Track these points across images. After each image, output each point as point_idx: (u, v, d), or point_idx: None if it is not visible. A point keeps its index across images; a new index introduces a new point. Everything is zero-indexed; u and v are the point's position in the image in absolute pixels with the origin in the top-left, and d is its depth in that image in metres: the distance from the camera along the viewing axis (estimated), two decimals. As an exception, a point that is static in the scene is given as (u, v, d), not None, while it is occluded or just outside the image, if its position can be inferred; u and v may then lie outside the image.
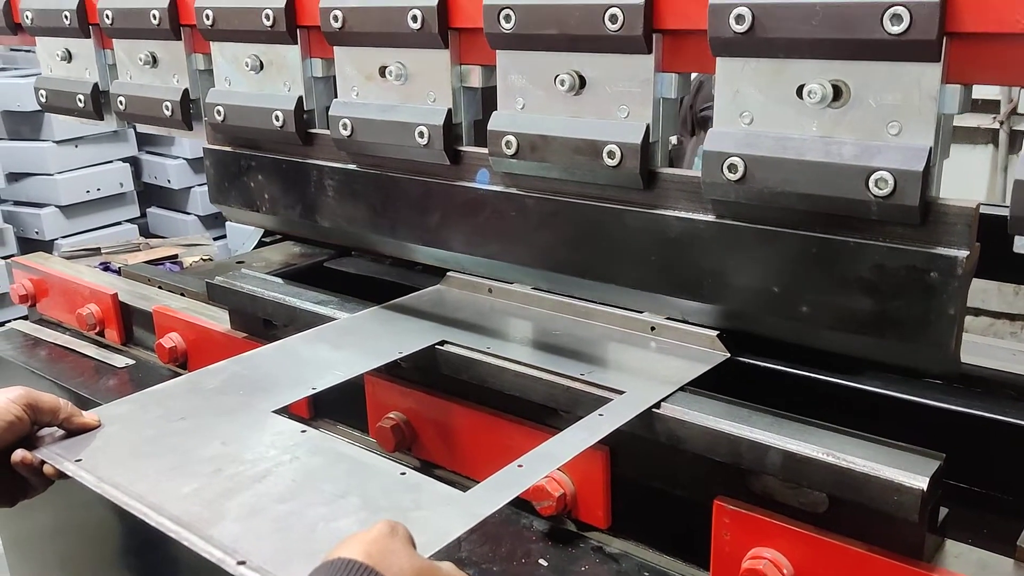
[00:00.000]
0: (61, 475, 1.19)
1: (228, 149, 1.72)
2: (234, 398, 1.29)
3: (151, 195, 5.96)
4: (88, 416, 1.23)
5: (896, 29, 0.96)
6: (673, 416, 1.19)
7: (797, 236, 1.11)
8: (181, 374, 1.81)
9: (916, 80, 0.99)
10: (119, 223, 5.69)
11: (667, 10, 1.13)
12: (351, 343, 1.44)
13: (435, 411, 1.43)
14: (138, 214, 5.83)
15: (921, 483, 1.01)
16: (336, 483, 1.09)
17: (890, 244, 1.05)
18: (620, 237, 1.26)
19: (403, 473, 1.09)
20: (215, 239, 5.08)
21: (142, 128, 1.96)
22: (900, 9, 0.96)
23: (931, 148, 1.00)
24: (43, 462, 1.19)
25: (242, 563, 0.95)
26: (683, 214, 1.20)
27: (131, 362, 1.96)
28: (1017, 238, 0.99)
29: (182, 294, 2.05)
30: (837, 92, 1.04)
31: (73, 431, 1.21)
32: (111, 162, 5.58)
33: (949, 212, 1.02)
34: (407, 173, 1.46)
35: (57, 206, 5.41)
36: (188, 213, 5.80)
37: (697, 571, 1.24)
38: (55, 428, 1.22)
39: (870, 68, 1.01)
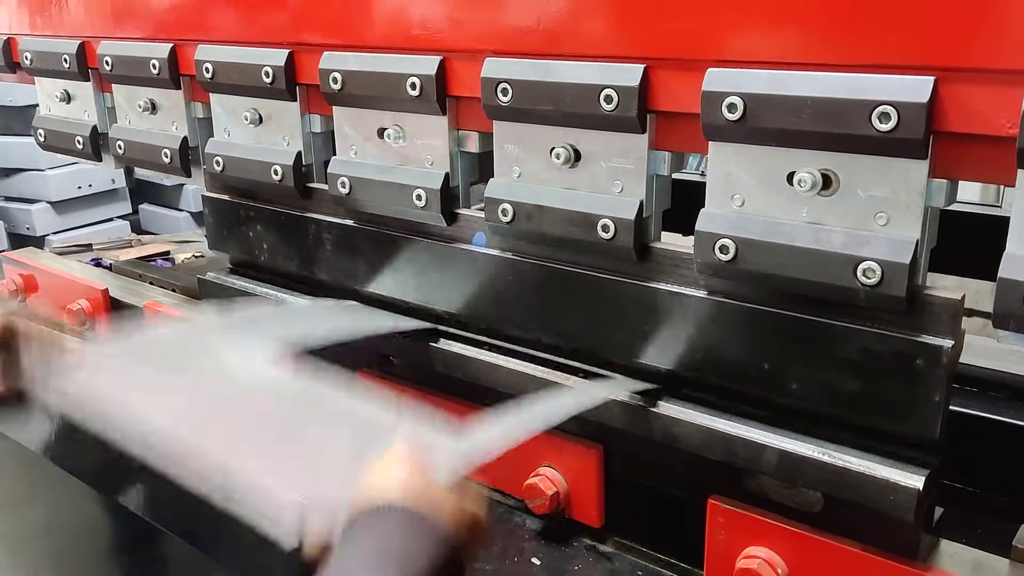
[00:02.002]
0: None
1: (227, 198, 1.73)
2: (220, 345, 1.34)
3: (143, 192, 5.96)
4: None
5: (884, 127, 0.99)
6: (668, 414, 1.22)
7: (787, 316, 1.14)
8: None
9: (903, 175, 1.02)
10: (111, 219, 5.70)
11: (661, 93, 1.15)
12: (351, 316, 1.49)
13: (426, 408, 1.45)
14: (130, 210, 5.83)
15: (917, 482, 1.04)
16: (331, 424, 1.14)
17: (877, 330, 1.08)
18: (610, 306, 1.28)
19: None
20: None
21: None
22: (888, 108, 0.98)
23: (918, 240, 1.03)
24: None
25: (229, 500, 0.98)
26: (674, 288, 1.23)
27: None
28: (1003, 332, 1.03)
29: (173, 290, 2.06)
30: (827, 181, 1.06)
31: None
32: (103, 160, 5.55)
33: (935, 303, 1.05)
34: (404, 231, 1.48)
35: (48, 202, 5.40)
36: (180, 210, 5.80)
37: (691, 570, 1.28)
38: None
39: (859, 161, 1.04)
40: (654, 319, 1.25)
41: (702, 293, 1.21)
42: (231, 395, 1.20)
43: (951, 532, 1.16)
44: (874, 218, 1.05)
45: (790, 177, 1.08)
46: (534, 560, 1.30)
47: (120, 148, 1.84)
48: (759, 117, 1.06)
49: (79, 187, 5.51)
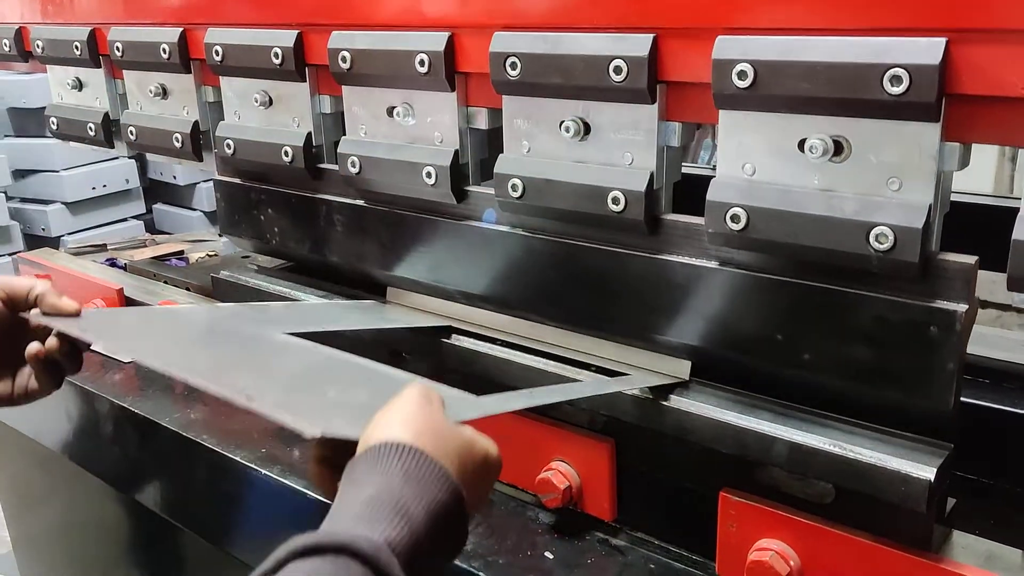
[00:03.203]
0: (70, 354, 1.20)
1: (238, 182, 1.74)
2: (243, 323, 1.35)
3: (157, 191, 5.98)
4: (65, 301, 1.21)
5: (896, 90, 0.98)
6: (679, 407, 1.21)
7: (799, 285, 1.13)
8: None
9: (916, 139, 1.01)
10: (125, 219, 5.72)
11: (671, 63, 1.15)
12: (359, 315, 1.50)
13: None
14: (144, 210, 5.85)
15: (929, 473, 1.04)
16: (353, 372, 1.15)
17: (890, 296, 1.07)
18: (623, 280, 1.28)
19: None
20: (221, 234, 5.09)
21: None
22: (900, 71, 0.97)
23: (931, 205, 1.02)
24: (47, 354, 1.19)
25: (251, 398, 0.98)
26: (686, 259, 1.22)
27: (137, 356, 1.97)
28: (1017, 296, 1.02)
29: (188, 289, 2.07)
30: (838, 147, 1.05)
31: (49, 314, 1.19)
32: (117, 159, 5.59)
33: (948, 268, 1.04)
34: (414, 210, 1.48)
35: (63, 203, 5.43)
36: (194, 209, 5.82)
37: (703, 562, 1.27)
38: None
39: (871, 126, 1.03)
40: (666, 292, 1.24)
41: (714, 264, 1.20)
42: (252, 352, 1.22)
43: (965, 523, 1.15)
44: (886, 183, 1.04)
45: (801, 144, 1.07)
46: (547, 554, 1.30)
47: (132, 134, 1.84)
48: (769, 84, 1.06)
49: (93, 187, 5.54)
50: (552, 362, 1.36)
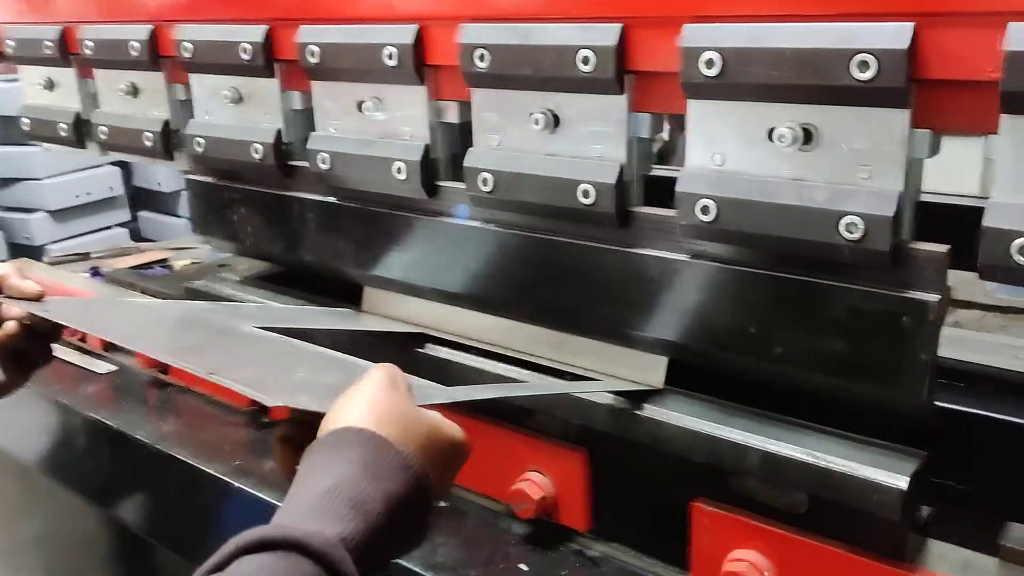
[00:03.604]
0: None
1: (210, 180, 1.72)
2: (214, 316, 1.36)
3: (142, 199, 5.94)
4: (28, 284, 1.20)
5: (864, 76, 0.96)
6: (652, 416, 1.20)
7: (770, 277, 1.12)
8: (163, 380, 1.82)
9: (885, 126, 1.00)
10: (109, 227, 5.68)
11: (639, 52, 1.13)
12: (330, 319, 1.51)
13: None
14: (129, 218, 5.81)
15: (901, 482, 1.02)
16: (321, 359, 1.14)
17: (862, 287, 1.06)
18: (594, 275, 1.26)
19: None
20: (206, 242, 5.06)
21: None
22: (867, 56, 0.96)
23: (901, 193, 1.00)
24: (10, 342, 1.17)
25: (213, 372, 0.97)
26: (657, 252, 1.20)
27: (114, 368, 1.96)
28: (988, 284, 1.00)
29: (164, 298, 2.04)
30: (808, 136, 1.04)
31: (12, 296, 1.18)
32: (101, 166, 5.55)
33: (920, 257, 1.02)
34: (386, 207, 1.46)
35: (47, 211, 5.38)
36: (179, 216, 5.78)
37: (679, 574, 1.25)
38: None
39: (840, 113, 1.02)
40: (638, 286, 1.22)
41: (685, 257, 1.18)
42: (220, 339, 1.20)
43: (943, 530, 1.14)
44: (856, 171, 1.03)
45: (771, 133, 1.06)
46: (521, 566, 1.28)
47: (103, 134, 1.82)
48: (737, 72, 1.04)
49: (77, 195, 5.49)
50: (526, 371, 1.34)
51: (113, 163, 5.62)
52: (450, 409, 1.36)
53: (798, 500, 1.11)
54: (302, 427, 0.94)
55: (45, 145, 2.00)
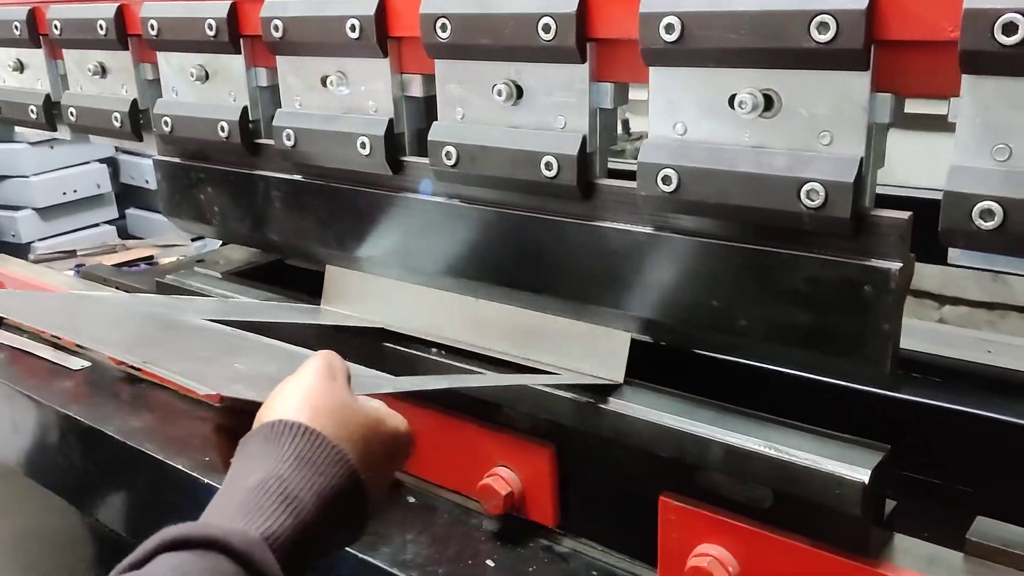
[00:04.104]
0: None
1: (177, 161, 1.70)
2: (163, 310, 1.36)
3: (129, 196, 5.91)
4: None
5: (823, 38, 0.95)
6: (616, 410, 1.18)
7: (733, 248, 1.10)
8: (134, 375, 1.80)
9: (845, 89, 0.98)
10: (97, 225, 5.65)
11: (600, 19, 1.12)
12: (288, 313, 1.50)
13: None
14: (116, 215, 5.78)
15: (863, 476, 1.00)
16: (267, 350, 1.14)
17: (823, 256, 1.04)
18: (558, 248, 1.24)
19: None
20: (193, 239, 5.03)
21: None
22: (827, 17, 0.94)
23: (862, 158, 0.99)
24: None
25: (148, 362, 0.95)
26: (621, 225, 1.19)
27: (87, 364, 1.95)
28: (951, 249, 0.99)
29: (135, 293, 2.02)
30: (768, 102, 1.02)
31: None
32: (88, 163, 5.53)
33: (882, 224, 1.01)
34: (350, 183, 1.44)
35: (33, 208, 5.36)
36: (167, 214, 5.75)
37: (646, 569, 1.24)
38: None
39: (800, 77, 1.00)
40: (602, 259, 1.21)
41: (648, 229, 1.16)
42: (165, 332, 1.19)
43: (913, 525, 1.12)
44: (817, 138, 1.01)
45: (732, 100, 1.04)
46: (488, 562, 1.27)
47: (72, 115, 1.80)
48: (697, 37, 1.03)
49: (64, 193, 5.46)
50: (490, 366, 1.32)
51: (101, 160, 5.60)
52: (413, 402, 1.37)
53: (763, 494, 1.10)
54: (240, 417, 0.92)
55: (17, 129, 1.98)
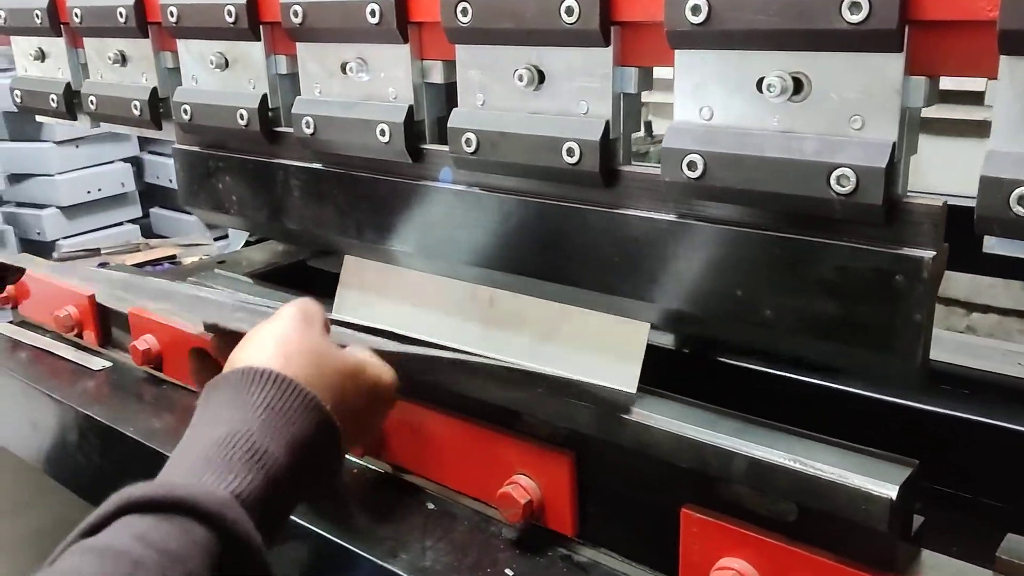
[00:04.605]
0: None
1: (196, 149, 1.69)
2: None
3: (153, 195, 5.95)
4: None
5: (855, 18, 0.91)
6: (636, 420, 1.15)
7: (760, 236, 1.07)
8: (157, 376, 1.80)
9: (878, 72, 0.95)
10: (121, 223, 5.68)
11: (624, 1, 1.09)
12: None
13: (402, 415, 1.40)
14: (140, 214, 5.81)
15: (891, 491, 0.97)
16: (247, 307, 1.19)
17: (854, 244, 1.01)
18: (581, 237, 1.22)
19: None
20: (216, 239, 5.05)
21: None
22: (859, -4, 0.91)
23: (895, 143, 0.96)
24: None
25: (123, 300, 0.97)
26: (644, 213, 1.16)
27: (108, 364, 1.94)
28: (987, 238, 0.95)
29: None
30: (798, 85, 0.99)
31: None
32: (112, 162, 5.57)
33: (915, 211, 0.98)
34: (370, 171, 1.43)
35: (58, 207, 5.39)
36: (190, 213, 5.75)
37: None
38: None
39: (831, 60, 0.97)
40: (624, 248, 1.18)
41: (672, 217, 1.14)
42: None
43: (942, 540, 1.09)
44: (848, 122, 0.98)
45: (760, 84, 1.01)
46: (507, 571, 1.24)
47: (92, 104, 1.80)
48: (724, 18, 1.00)
49: (88, 191, 5.50)
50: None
51: (125, 160, 5.63)
52: (434, 408, 1.36)
53: (787, 508, 1.07)
54: (212, 363, 0.89)
55: (44, 128, 1.98)
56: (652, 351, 1.24)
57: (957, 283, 4.00)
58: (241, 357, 0.82)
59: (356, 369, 0.87)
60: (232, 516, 0.69)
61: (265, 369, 0.79)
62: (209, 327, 0.91)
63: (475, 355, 1.20)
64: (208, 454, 0.74)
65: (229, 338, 0.87)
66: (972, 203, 0.94)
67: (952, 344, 1.50)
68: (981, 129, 4.18)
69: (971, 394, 1.36)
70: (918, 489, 1.01)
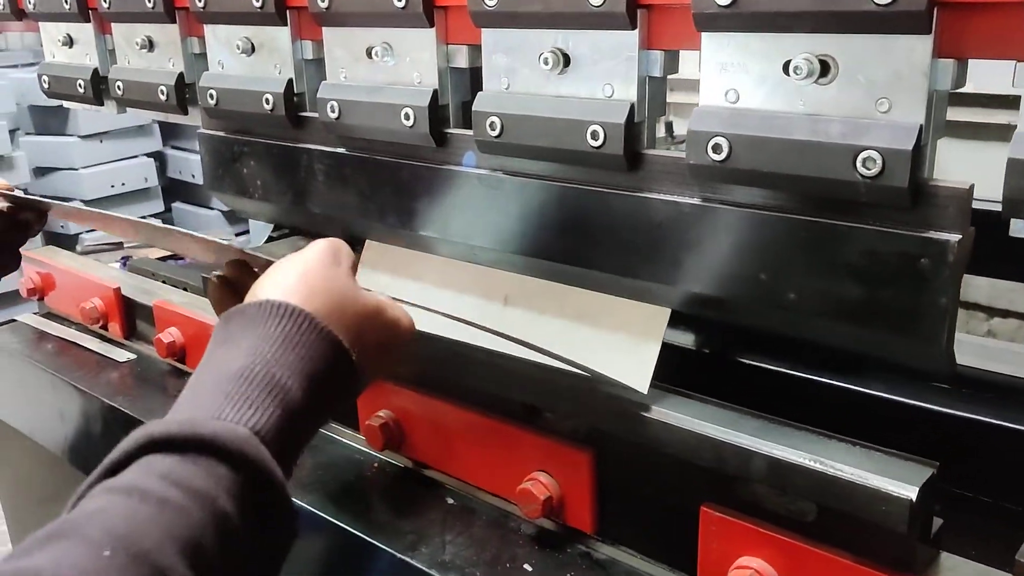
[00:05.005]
0: None
1: (221, 134, 1.70)
2: None
3: (176, 190, 5.99)
4: None
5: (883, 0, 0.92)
6: (657, 419, 1.15)
7: (784, 219, 1.07)
8: (180, 368, 1.81)
9: (906, 54, 0.94)
10: (144, 218, 5.72)
11: (651, -16, 1.09)
12: None
13: (423, 410, 1.41)
14: (162, 208, 5.86)
15: (910, 493, 0.96)
16: None
17: (879, 228, 1.00)
18: (604, 221, 1.22)
19: None
20: (237, 234, 5.09)
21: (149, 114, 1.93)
22: (887, -23, 0.91)
23: (922, 126, 0.95)
24: None
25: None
26: (668, 197, 1.16)
27: (132, 356, 1.96)
28: (1014, 222, 0.95)
29: (185, 288, 2.03)
30: (824, 67, 0.99)
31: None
32: (136, 157, 5.62)
33: (941, 194, 0.97)
34: (394, 156, 1.43)
35: (82, 200, 5.44)
36: (212, 208, 5.82)
37: None
38: None
39: (858, 42, 0.97)
40: (647, 232, 1.18)
41: (696, 200, 1.14)
42: None
43: (961, 543, 1.09)
44: (875, 104, 0.98)
45: (787, 66, 1.01)
46: (526, 566, 1.25)
47: (119, 89, 1.81)
48: (751, 0, 1.00)
49: (112, 186, 5.56)
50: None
51: (148, 155, 5.68)
52: (454, 403, 1.37)
53: (806, 508, 1.07)
54: (242, 277, 0.89)
55: (65, 103, 1.99)
56: (671, 352, 1.25)
57: (978, 287, 3.97)
58: (263, 289, 0.82)
59: (376, 310, 0.87)
60: (254, 454, 0.70)
61: (284, 303, 0.80)
62: (235, 252, 0.90)
63: (492, 331, 1.19)
64: (226, 388, 0.74)
65: (254, 266, 0.87)
66: (996, 207, 0.95)
67: (972, 348, 1.49)
68: (1004, 132, 4.16)
69: (993, 398, 1.35)
70: (938, 491, 1.01)
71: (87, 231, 5.42)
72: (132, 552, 0.61)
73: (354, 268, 0.91)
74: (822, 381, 1.38)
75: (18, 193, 1.46)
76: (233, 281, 0.92)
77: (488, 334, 1.20)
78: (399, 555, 1.27)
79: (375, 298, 0.88)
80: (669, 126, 4.65)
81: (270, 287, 0.82)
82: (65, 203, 1.70)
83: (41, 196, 1.49)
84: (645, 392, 1.20)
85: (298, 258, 0.86)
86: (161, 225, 1.38)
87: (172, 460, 0.68)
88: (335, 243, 0.90)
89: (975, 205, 1.00)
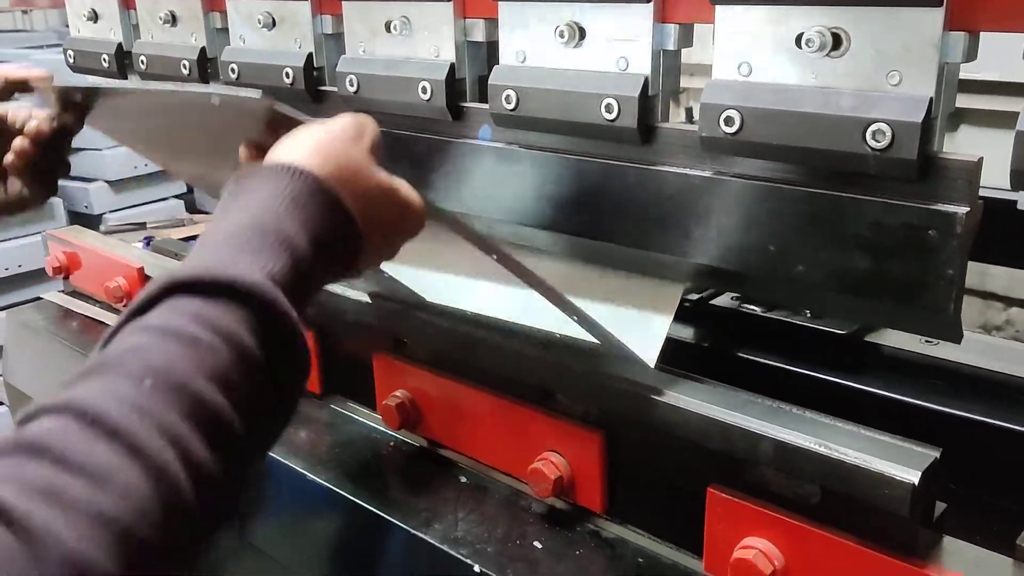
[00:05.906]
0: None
1: (242, 107, 1.72)
2: None
3: (198, 172, 6.01)
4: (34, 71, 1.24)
5: (896, -27, 0.93)
6: (666, 402, 1.16)
7: (795, 191, 1.08)
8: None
9: (917, 27, 0.95)
10: (166, 199, 5.76)
11: (666, -42, 1.10)
12: None
13: (438, 391, 1.43)
14: (185, 190, 5.89)
15: (913, 476, 0.97)
16: None
17: (888, 200, 1.01)
18: (618, 194, 1.23)
19: None
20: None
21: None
22: (900, -49, 0.92)
23: (932, 99, 0.96)
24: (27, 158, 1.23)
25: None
26: (681, 170, 1.17)
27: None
28: (1022, 195, 0.96)
29: None
30: (836, 40, 1.00)
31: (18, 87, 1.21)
32: (159, 138, 5.62)
33: (950, 167, 0.98)
34: (411, 130, 1.45)
35: (105, 180, 5.48)
36: (233, 188, 5.84)
37: (692, 559, 1.23)
38: None
39: (870, 14, 0.97)
40: (660, 204, 1.19)
41: (708, 173, 1.15)
42: None
43: (958, 527, 1.10)
44: (886, 77, 0.98)
45: (799, 39, 1.02)
46: (536, 543, 1.27)
47: (143, 64, 1.84)
48: (765, -29, 1.01)
49: (135, 167, 5.58)
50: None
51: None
52: (468, 383, 1.38)
53: (811, 491, 1.08)
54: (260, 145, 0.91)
55: (89, 77, 2.02)
56: (677, 346, 1.26)
57: (995, 277, 3.95)
58: (280, 152, 0.84)
59: (390, 188, 0.89)
60: (272, 296, 0.73)
61: (297, 166, 0.81)
62: (267, 108, 0.91)
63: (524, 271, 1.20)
64: (240, 237, 0.77)
65: (282, 124, 0.88)
66: (1013, 195, 0.95)
67: (979, 347, 1.49)
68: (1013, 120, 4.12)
69: (997, 398, 1.36)
70: (941, 476, 1.02)
71: (111, 211, 5.49)
72: (172, 382, 0.65)
73: (377, 146, 0.92)
74: (826, 379, 1.41)
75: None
76: (262, 144, 0.93)
77: (507, 289, 1.21)
78: (413, 531, 1.30)
79: (390, 178, 0.90)
80: (689, 112, 4.64)
81: (286, 151, 0.84)
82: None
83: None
84: (652, 366, 1.22)
85: (321, 127, 0.88)
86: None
87: (198, 302, 0.71)
88: (361, 118, 0.92)
89: (994, 193, 1.01)
